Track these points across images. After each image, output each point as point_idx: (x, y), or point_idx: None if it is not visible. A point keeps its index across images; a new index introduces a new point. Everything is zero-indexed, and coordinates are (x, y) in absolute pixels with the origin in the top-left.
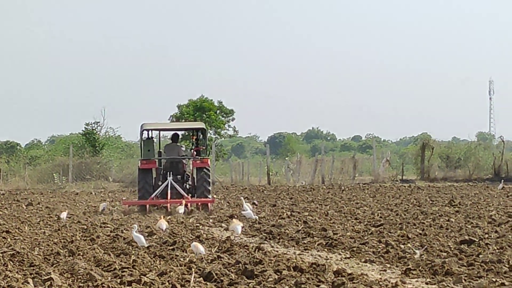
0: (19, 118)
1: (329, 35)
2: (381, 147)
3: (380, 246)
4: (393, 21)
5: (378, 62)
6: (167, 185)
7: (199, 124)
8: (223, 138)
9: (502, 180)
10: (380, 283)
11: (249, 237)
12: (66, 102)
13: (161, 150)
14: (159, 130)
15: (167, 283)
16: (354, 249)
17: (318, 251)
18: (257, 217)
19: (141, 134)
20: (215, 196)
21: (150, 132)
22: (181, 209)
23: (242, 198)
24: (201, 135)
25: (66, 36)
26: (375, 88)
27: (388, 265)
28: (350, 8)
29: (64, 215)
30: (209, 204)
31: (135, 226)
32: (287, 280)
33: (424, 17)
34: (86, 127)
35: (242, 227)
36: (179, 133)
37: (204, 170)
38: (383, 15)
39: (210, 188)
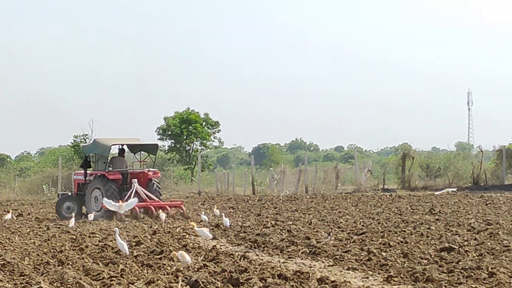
0: (8, 131)
1: (310, 48)
2: (363, 157)
3: (363, 254)
4: (373, 33)
5: (359, 74)
6: (134, 191)
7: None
8: (208, 149)
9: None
10: None
11: (235, 245)
12: (55, 115)
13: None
14: (123, 145)
15: None
16: (337, 257)
17: (302, 259)
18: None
19: (110, 149)
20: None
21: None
22: (163, 216)
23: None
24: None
25: (55, 47)
26: (356, 99)
27: (371, 273)
28: (331, 19)
29: (8, 216)
30: (183, 207)
31: (116, 229)
32: None
33: (404, 28)
34: (75, 139)
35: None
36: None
37: (155, 180)
38: (362, 28)
39: (161, 197)
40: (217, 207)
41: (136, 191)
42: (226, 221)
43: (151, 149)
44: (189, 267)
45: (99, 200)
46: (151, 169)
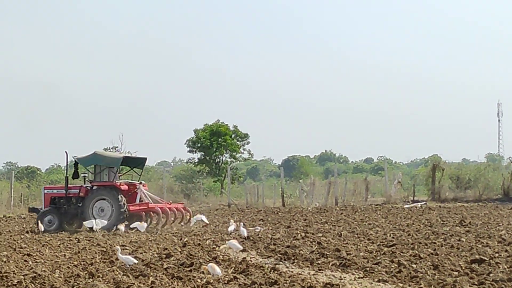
0: (39, 144)
1: (339, 62)
2: (393, 168)
3: (393, 266)
4: (401, 44)
5: (388, 87)
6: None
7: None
8: (238, 162)
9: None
10: None
11: (265, 258)
12: (85, 127)
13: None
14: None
15: None
16: (367, 269)
17: (332, 271)
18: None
19: (121, 161)
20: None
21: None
22: (122, 227)
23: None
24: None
25: (84, 62)
26: (386, 111)
27: (401, 285)
28: (358, 30)
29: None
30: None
31: (118, 248)
32: None
33: (433, 38)
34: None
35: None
36: None
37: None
38: (389, 43)
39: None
40: (234, 220)
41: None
42: (244, 231)
43: (141, 162)
44: (219, 279)
45: (106, 211)
46: (142, 181)
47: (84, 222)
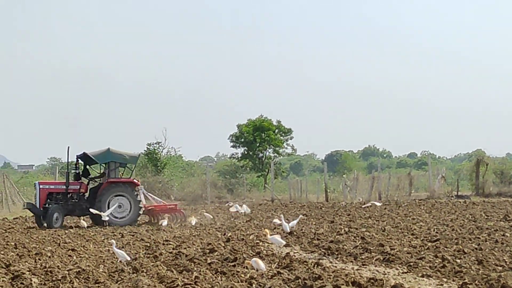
0: (82, 140)
1: (384, 57)
2: (436, 163)
3: (437, 261)
4: (444, 42)
5: (433, 81)
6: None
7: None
8: (281, 156)
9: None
10: None
11: (308, 253)
12: (128, 123)
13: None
14: None
15: None
16: (411, 264)
17: (375, 266)
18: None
19: (139, 157)
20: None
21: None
22: (193, 221)
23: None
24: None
25: (129, 60)
26: (429, 106)
27: (445, 280)
28: (401, 34)
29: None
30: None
31: (113, 241)
32: None
33: (479, 35)
34: (148, 147)
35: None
36: None
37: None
38: (435, 41)
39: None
40: (278, 215)
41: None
42: (286, 227)
43: (134, 159)
44: (263, 274)
45: (125, 206)
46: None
47: (102, 214)
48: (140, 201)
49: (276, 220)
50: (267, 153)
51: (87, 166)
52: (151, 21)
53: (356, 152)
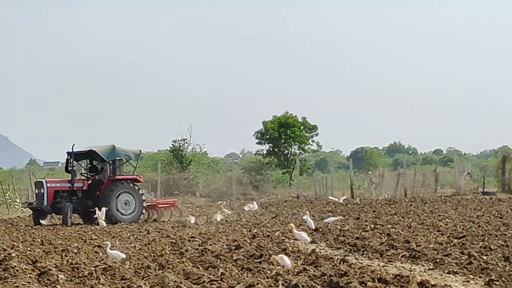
0: (108, 137)
1: (410, 55)
2: (462, 160)
3: (463, 258)
4: (470, 36)
5: (459, 79)
6: None
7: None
8: (306, 153)
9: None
10: None
11: (334, 249)
12: (154, 120)
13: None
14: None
15: None
16: (437, 260)
17: (401, 262)
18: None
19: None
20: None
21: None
22: (218, 217)
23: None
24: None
25: (155, 58)
26: (455, 103)
27: (471, 276)
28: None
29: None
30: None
31: (108, 243)
32: None
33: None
34: (174, 144)
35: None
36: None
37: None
38: (461, 38)
39: None
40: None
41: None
42: (311, 223)
43: (137, 156)
44: (289, 270)
45: (130, 204)
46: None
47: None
48: (142, 198)
49: (306, 217)
50: (292, 150)
51: (94, 162)
52: (176, 20)
53: (382, 149)
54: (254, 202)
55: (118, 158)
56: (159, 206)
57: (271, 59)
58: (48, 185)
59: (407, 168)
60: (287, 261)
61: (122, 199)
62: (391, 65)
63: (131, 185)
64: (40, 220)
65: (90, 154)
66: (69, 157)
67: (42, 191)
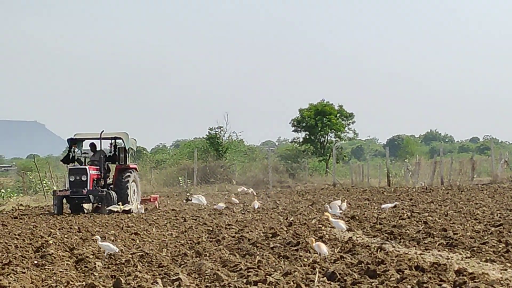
0: (145, 125)
1: (447, 45)
2: (499, 148)
3: (500, 246)
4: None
5: (494, 65)
6: None
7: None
8: (343, 141)
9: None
10: (501, 282)
11: (371, 237)
12: (190, 108)
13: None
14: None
15: (291, 283)
16: (475, 248)
17: (438, 251)
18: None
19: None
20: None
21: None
22: (256, 205)
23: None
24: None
25: (192, 45)
26: (492, 91)
27: (509, 265)
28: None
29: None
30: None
31: (98, 237)
32: (409, 280)
33: None
34: (210, 131)
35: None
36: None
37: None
38: (495, 30)
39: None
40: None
41: None
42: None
43: (135, 145)
44: (325, 258)
45: (137, 193)
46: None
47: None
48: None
49: (334, 203)
50: (329, 138)
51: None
52: (214, 6)
53: (418, 137)
54: (201, 197)
55: (131, 147)
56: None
57: (308, 47)
58: (91, 172)
59: (444, 156)
60: (324, 248)
61: (131, 187)
62: (428, 53)
63: (135, 174)
64: (82, 208)
65: (115, 141)
66: (74, 145)
67: (84, 178)
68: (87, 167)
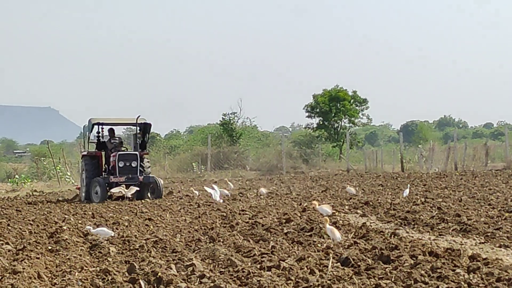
0: (159, 110)
1: (462, 29)
2: None
3: None
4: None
5: (509, 52)
6: None
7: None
8: (356, 127)
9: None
10: None
11: (385, 223)
12: (204, 94)
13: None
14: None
15: (305, 268)
16: (489, 234)
17: (452, 236)
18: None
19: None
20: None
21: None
22: (264, 190)
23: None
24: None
25: (204, 33)
26: (506, 77)
27: None
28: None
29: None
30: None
31: (89, 227)
32: (423, 265)
33: None
34: (224, 117)
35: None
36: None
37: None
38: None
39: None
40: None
41: None
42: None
43: None
44: (339, 244)
45: None
46: None
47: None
48: None
49: (350, 189)
50: (343, 123)
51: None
52: None
53: (432, 122)
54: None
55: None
56: None
57: (321, 33)
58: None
59: (458, 142)
60: (337, 233)
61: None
62: (441, 39)
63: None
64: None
65: (144, 127)
66: (102, 130)
67: (134, 164)
68: (137, 152)
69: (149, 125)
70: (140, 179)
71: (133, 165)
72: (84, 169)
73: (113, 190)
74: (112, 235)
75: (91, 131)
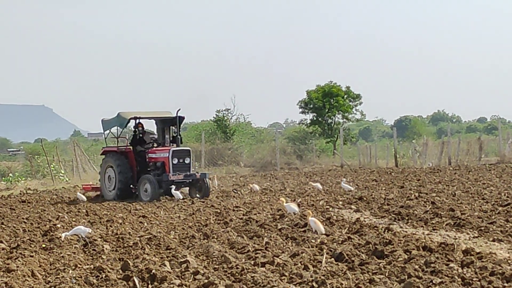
0: (153, 108)
1: (454, 24)
2: (507, 128)
3: (508, 226)
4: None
5: (503, 47)
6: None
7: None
8: (350, 122)
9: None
10: (509, 261)
11: (378, 218)
12: (197, 91)
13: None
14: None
15: (299, 264)
16: (482, 228)
17: (446, 231)
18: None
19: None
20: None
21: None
22: (256, 187)
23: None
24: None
25: (196, 28)
26: (499, 70)
27: None
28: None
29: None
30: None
31: (62, 234)
32: (417, 260)
33: None
34: (217, 114)
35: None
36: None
37: None
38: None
39: None
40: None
41: None
42: (346, 187)
43: None
44: (333, 239)
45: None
46: None
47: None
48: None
49: (345, 185)
50: (336, 119)
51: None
52: None
53: (425, 117)
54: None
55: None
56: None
57: (315, 28)
58: (150, 155)
59: (451, 137)
60: (320, 225)
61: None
62: (434, 35)
63: None
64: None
65: (179, 121)
66: (139, 124)
67: (187, 161)
68: (189, 148)
69: (183, 118)
70: (197, 176)
71: (186, 161)
72: (115, 166)
73: (175, 191)
74: (89, 231)
75: (125, 126)
